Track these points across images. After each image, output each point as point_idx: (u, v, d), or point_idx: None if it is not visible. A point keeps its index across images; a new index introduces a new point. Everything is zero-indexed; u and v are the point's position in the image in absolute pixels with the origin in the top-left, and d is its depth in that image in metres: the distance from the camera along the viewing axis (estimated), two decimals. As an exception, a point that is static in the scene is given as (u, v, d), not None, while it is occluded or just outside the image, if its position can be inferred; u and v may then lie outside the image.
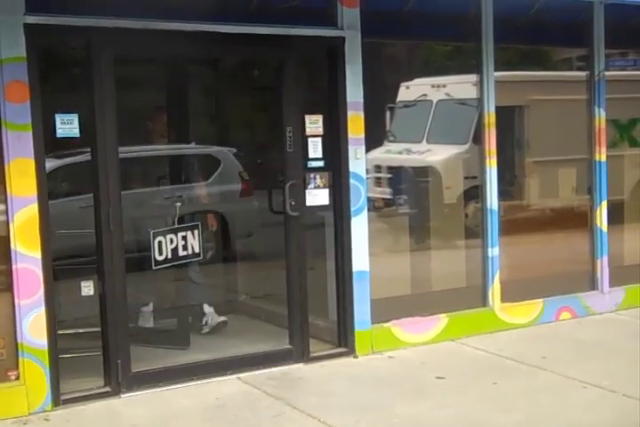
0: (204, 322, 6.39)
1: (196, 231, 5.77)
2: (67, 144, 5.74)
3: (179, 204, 5.96)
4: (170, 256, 5.64)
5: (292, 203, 5.62)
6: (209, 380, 5.35)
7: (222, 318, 6.43)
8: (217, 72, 7.76)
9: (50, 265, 4.89)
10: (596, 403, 4.95)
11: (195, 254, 5.80)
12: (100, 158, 5.01)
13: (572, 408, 4.87)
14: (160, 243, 5.57)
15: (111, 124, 5.01)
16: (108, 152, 5.02)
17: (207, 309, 6.43)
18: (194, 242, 5.75)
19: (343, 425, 4.62)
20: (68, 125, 4.90)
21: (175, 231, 5.70)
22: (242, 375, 5.43)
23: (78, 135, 4.98)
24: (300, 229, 5.71)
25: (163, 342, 5.91)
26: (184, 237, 5.70)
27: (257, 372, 5.49)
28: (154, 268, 5.59)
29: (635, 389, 5.06)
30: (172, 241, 5.64)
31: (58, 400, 4.93)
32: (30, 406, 4.83)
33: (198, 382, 5.32)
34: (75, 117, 4.92)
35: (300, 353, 5.71)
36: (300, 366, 5.68)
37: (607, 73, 7.06)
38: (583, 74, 7.15)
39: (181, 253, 5.71)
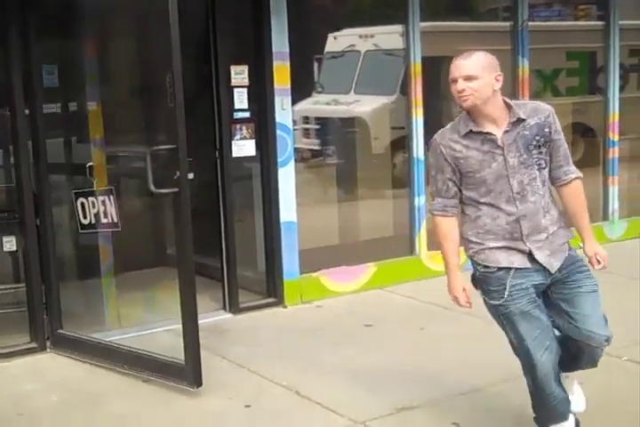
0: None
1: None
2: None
3: None
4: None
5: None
6: (138, 333, 5.29)
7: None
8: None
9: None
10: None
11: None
12: (20, 113, 4.89)
13: (500, 354, 4.95)
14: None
15: (34, 77, 4.88)
16: (31, 107, 4.90)
17: (577, 387, 4.01)
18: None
19: (272, 374, 4.67)
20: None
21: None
22: (171, 328, 5.40)
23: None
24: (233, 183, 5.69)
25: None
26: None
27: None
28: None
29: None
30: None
31: (-18, 357, 4.88)
32: (-46, 363, 4.79)
33: (126, 335, 5.23)
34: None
35: (231, 304, 5.74)
36: (230, 316, 5.72)
37: (531, 23, 7.12)
38: (507, 24, 7.20)
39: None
